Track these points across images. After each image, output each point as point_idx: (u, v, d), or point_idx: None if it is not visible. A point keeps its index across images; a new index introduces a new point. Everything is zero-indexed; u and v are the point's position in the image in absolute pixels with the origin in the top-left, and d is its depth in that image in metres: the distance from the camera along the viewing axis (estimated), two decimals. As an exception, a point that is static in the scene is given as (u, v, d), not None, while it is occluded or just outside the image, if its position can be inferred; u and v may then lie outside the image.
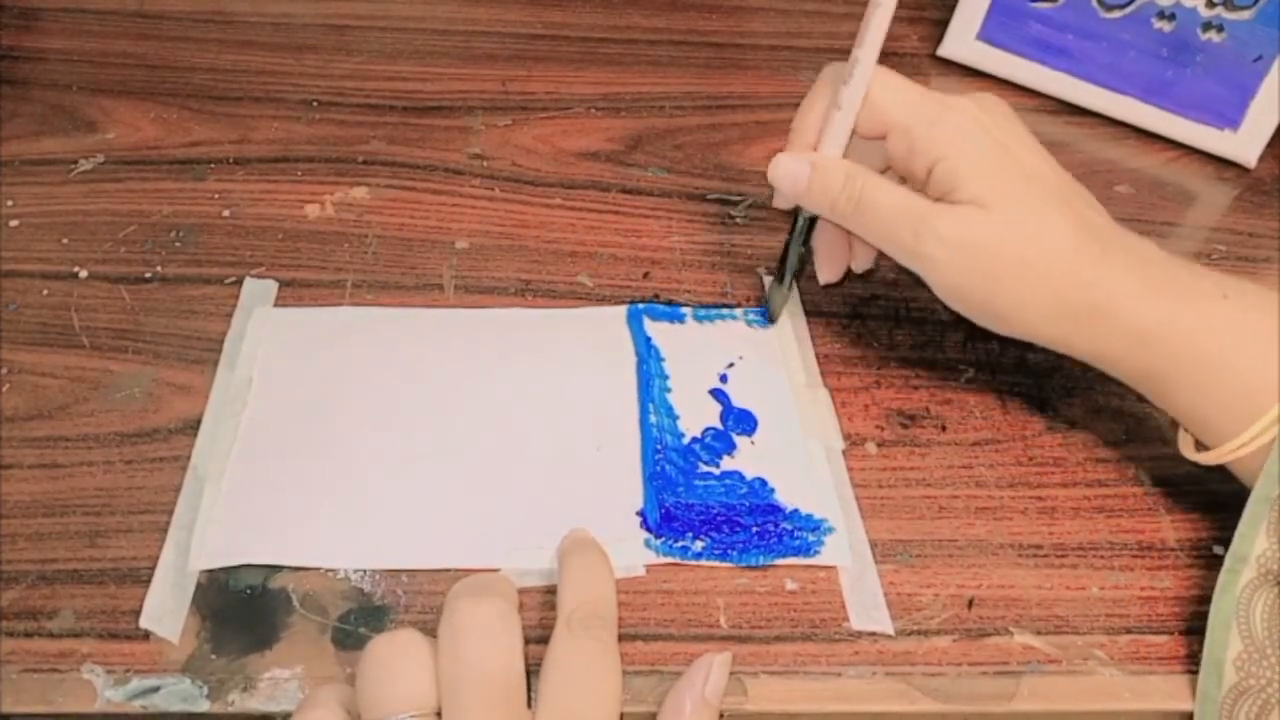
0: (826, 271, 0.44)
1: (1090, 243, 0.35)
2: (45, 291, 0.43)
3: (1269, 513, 0.32)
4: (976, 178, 0.36)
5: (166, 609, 0.33)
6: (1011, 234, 0.35)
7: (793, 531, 0.37)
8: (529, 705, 0.29)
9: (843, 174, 0.38)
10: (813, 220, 0.41)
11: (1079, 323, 0.36)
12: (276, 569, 0.35)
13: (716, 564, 0.36)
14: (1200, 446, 0.37)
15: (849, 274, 0.44)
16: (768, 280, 0.46)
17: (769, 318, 0.44)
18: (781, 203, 0.42)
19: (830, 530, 0.37)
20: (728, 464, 0.39)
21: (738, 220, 0.50)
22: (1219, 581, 0.33)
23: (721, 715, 0.32)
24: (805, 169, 0.39)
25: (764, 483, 0.38)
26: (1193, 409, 0.36)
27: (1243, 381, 0.34)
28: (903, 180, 0.39)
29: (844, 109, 0.38)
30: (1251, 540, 0.33)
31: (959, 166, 0.36)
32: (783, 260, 0.43)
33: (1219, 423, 0.35)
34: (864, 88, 0.37)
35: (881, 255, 0.41)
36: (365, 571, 0.35)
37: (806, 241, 0.42)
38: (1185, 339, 0.35)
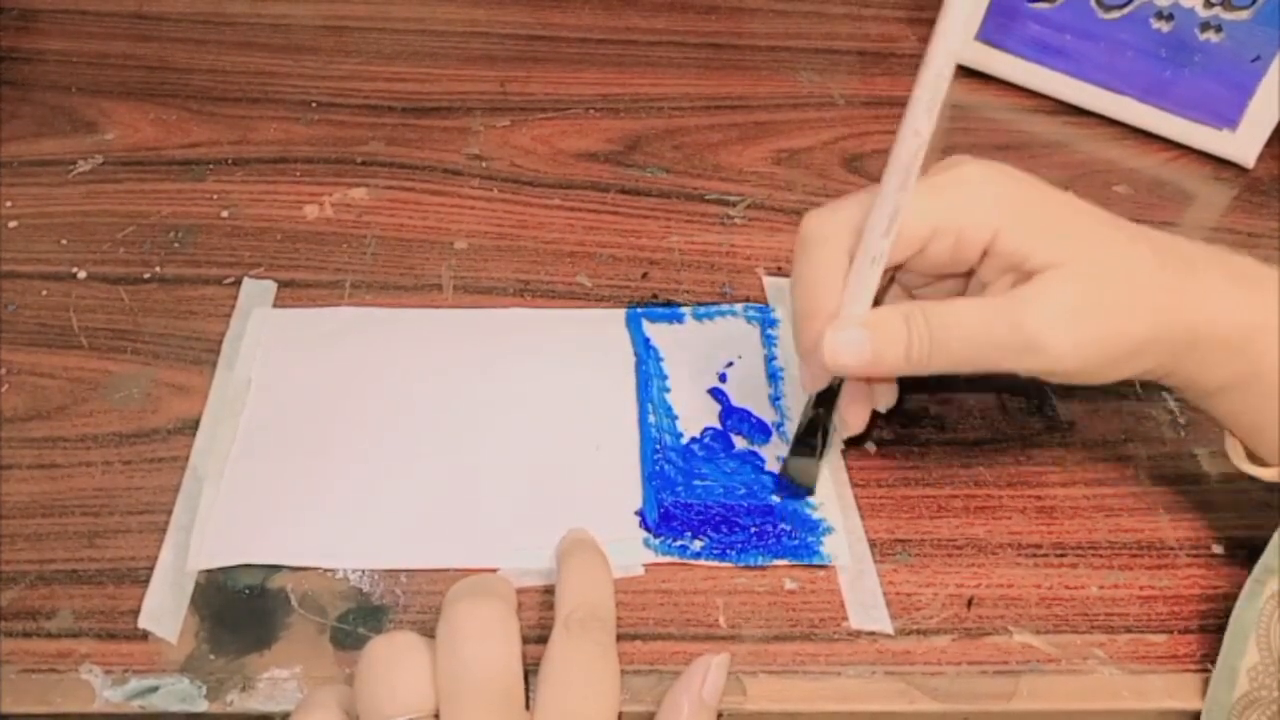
0: (855, 422, 0.38)
1: (1172, 257, 0.33)
2: (44, 292, 0.43)
3: None
4: (1042, 237, 0.32)
5: (165, 609, 0.33)
6: (1105, 278, 0.32)
7: (791, 531, 0.37)
8: (527, 707, 0.29)
9: (901, 318, 0.33)
10: (841, 381, 0.36)
11: (1184, 341, 0.33)
12: (275, 569, 0.35)
13: (715, 564, 0.36)
14: (1257, 461, 0.35)
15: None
16: (783, 454, 0.39)
17: (807, 493, 0.38)
18: (820, 384, 0.36)
19: (829, 530, 0.37)
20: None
21: (736, 220, 0.50)
22: (1244, 590, 0.33)
23: (720, 715, 0.32)
24: (863, 334, 0.33)
25: (763, 485, 0.38)
26: (1272, 420, 0.34)
27: None
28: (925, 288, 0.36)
29: (879, 260, 0.33)
30: None
31: (1018, 233, 0.32)
32: (811, 433, 0.37)
33: None
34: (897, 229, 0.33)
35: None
36: (364, 571, 0.35)
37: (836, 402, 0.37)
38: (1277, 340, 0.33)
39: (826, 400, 0.37)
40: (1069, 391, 0.43)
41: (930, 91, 0.31)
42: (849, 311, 0.34)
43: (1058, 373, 0.33)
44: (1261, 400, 0.34)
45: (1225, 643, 0.33)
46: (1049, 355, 0.32)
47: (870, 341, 0.33)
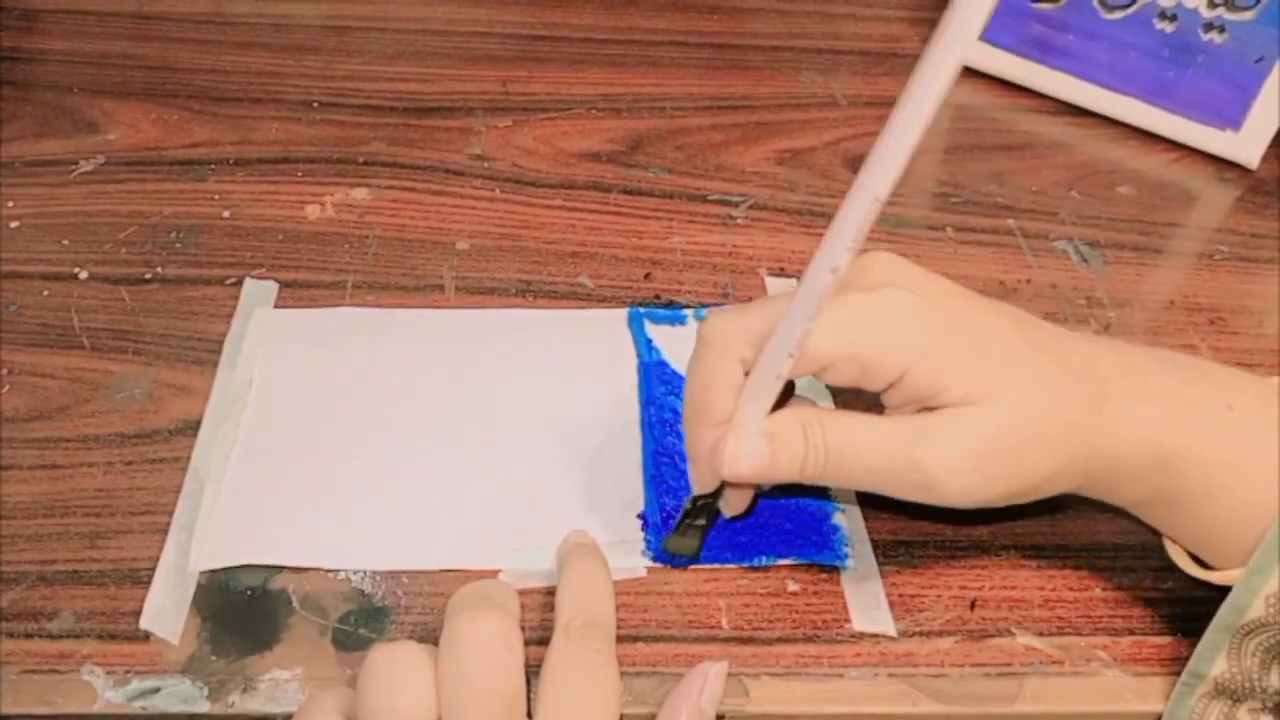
0: (739, 506, 0.36)
1: (1089, 384, 0.32)
2: (46, 292, 0.43)
3: (1229, 640, 0.32)
4: (954, 374, 0.31)
5: (166, 610, 0.33)
6: (1018, 418, 0.31)
7: (795, 532, 0.37)
8: (528, 714, 0.29)
9: (800, 428, 0.32)
10: None
11: (1095, 469, 0.33)
12: (276, 570, 0.35)
13: (718, 565, 0.36)
14: (1200, 563, 0.35)
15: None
16: (647, 534, 0.37)
17: (686, 560, 0.36)
18: (711, 487, 0.35)
19: (834, 528, 0.37)
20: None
21: (739, 221, 0.50)
22: (1174, 691, 0.33)
23: (722, 717, 0.32)
24: (764, 444, 0.32)
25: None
26: (1202, 533, 0.33)
27: (1252, 504, 0.32)
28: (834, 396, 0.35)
29: (781, 376, 0.31)
30: (1210, 662, 0.32)
31: (930, 370, 0.31)
32: (698, 515, 0.35)
33: (1229, 546, 0.33)
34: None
35: None
36: (365, 572, 0.35)
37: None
38: (1195, 463, 0.32)
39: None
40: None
41: (855, 230, 0.29)
42: (747, 423, 0.32)
43: (956, 508, 0.32)
44: (1192, 517, 0.33)
45: None
46: (946, 495, 0.31)
47: (769, 451, 0.32)
